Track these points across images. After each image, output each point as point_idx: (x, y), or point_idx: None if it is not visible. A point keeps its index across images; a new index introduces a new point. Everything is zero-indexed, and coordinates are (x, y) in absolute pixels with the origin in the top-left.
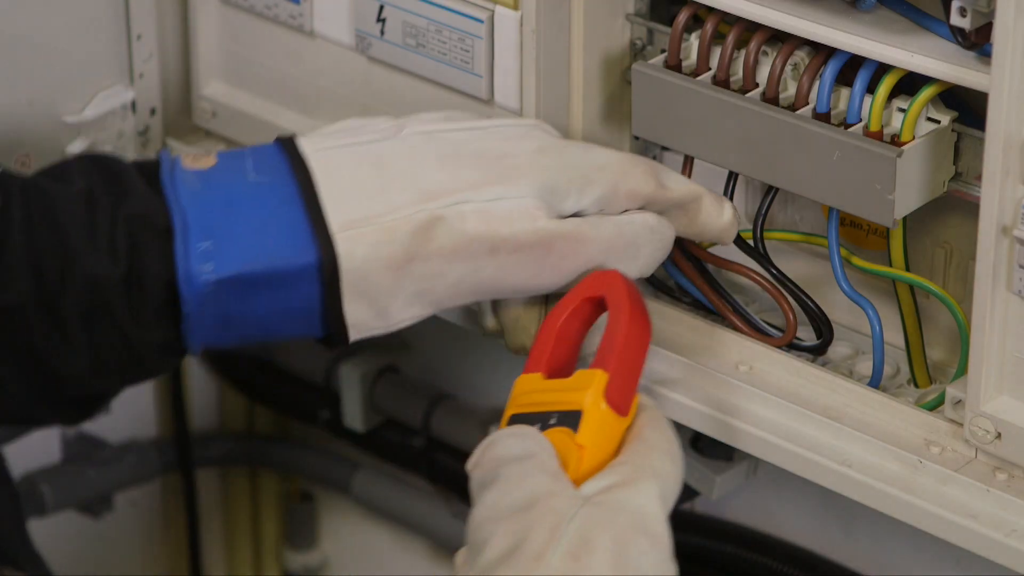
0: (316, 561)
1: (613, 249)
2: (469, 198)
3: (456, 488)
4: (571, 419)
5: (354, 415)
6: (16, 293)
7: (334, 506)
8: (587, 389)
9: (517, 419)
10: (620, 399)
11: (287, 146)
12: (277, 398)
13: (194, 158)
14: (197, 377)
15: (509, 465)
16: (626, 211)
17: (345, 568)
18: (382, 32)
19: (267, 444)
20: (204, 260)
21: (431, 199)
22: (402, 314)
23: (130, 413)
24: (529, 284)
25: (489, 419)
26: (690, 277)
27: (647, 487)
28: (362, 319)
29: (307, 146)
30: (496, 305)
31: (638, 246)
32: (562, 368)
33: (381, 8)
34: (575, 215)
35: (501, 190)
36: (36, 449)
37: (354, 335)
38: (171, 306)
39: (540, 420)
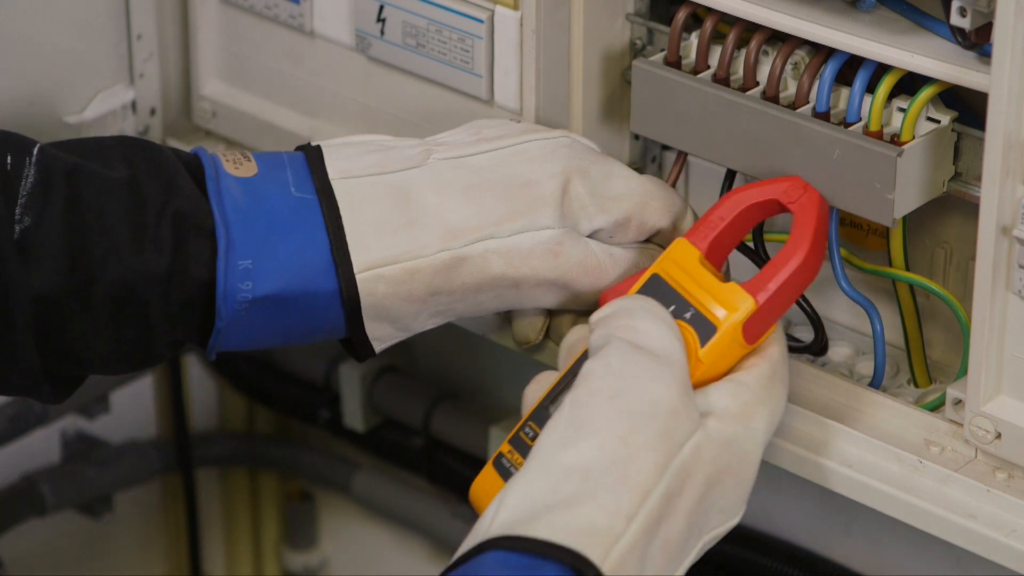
0: (316, 561)
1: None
2: (493, 234)
3: (456, 488)
4: (703, 327)
5: (354, 415)
6: (50, 281)
7: (334, 506)
8: (731, 311)
9: (659, 285)
10: (757, 330)
11: (314, 165)
12: (277, 398)
13: (235, 163)
14: (197, 377)
15: (644, 357)
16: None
17: (345, 568)
18: (382, 32)
19: (267, 444)
20: (244, 278)
21: (455, 237)
22: (424, 326)
23: (130, 413)
24: (549, 304)
25: (489, 419)
26: None
27: (759, 426)
28: (384, 334)
29: (333, 169)
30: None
31: None
32: (717, 253)
33: (381, 8)
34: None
35: (525, 223)
36: (36, 449)
37: (378, 346)
38: (202, 307)
39: (678, 304)
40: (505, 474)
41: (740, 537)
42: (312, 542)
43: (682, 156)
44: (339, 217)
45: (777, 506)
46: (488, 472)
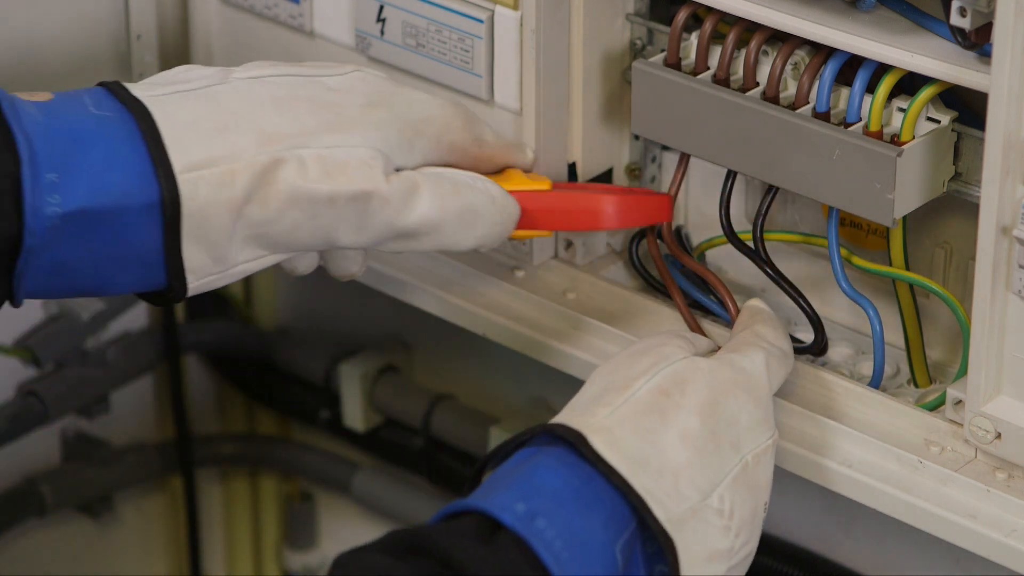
0: (316, 561)
1: (448, 209)
2: (308, 144)
3: (456, 488)
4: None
5: (354, 415)
6: None
7: (334, 506)
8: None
9: None
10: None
11: (116, 89)
12: (277, 398)
13: (29, 93)
14: (197, 377)
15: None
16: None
17: None
18: (382, 32)
19: (267, 444)
20: (51, 192)
21: (271, 142)
22: (239, 256)
23: (130, 414)
24: (361, 238)
25: (489, 419)
26: (694, 278)
27: (755, 353)
28: (200, 263)
29: (138, 91)
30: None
31: (477, 213)
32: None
33: (381, 8)
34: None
35: (338, 138)
36: (36, 449)
37: (192, 281)
38: (3, 255)
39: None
40: None
41: None
42: (312, 542)
43: (684, 159)
44: (154, 123)
45: (777, 506)
46: None
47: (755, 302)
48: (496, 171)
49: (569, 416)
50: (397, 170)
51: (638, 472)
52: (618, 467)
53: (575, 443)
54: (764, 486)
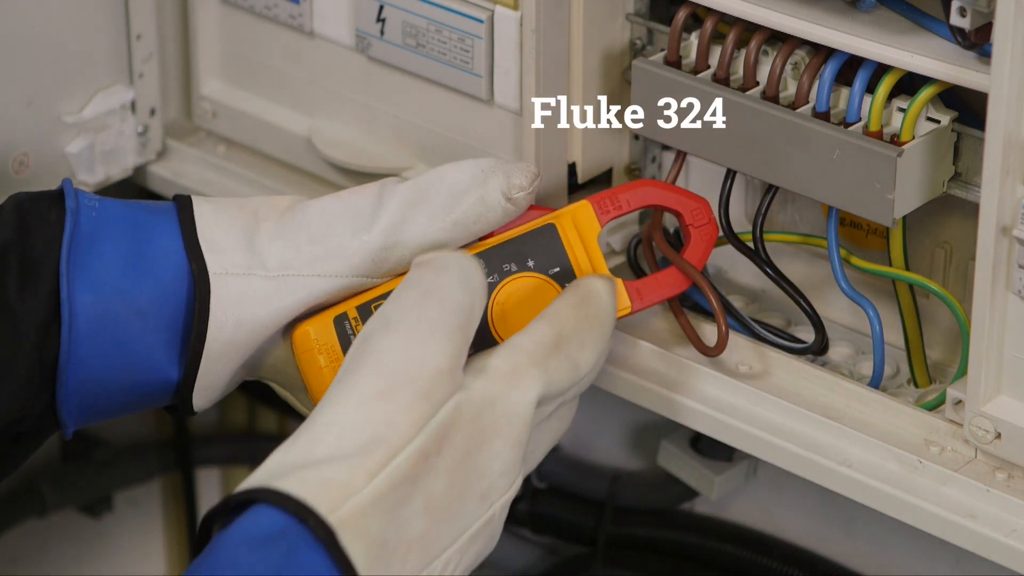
0: None
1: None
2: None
3: None
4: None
5: None
6: None
7: None
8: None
9: (551, 238)
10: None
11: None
12: (277, 398)
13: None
14: None
15: (429, 309)
16: None
17: None
18: (382, 32)
19: (268, 444)
20: (91, 199)
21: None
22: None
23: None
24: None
25: None
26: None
27: (528, 386)
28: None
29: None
30: None
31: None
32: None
33: (381, 8)
34: None
35: None
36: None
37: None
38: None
39: (561, 268)
40: (342, 334)
41: (740, 537)
42: None
43: (681, 156)
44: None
45: (777, 506)
46: (324, 322)
47: (592, 279)
48: None
49: (305, 475)
50: None
51: (374, 562)
52: (358, 566)
53: (325, 542)
54: (499, 530)
